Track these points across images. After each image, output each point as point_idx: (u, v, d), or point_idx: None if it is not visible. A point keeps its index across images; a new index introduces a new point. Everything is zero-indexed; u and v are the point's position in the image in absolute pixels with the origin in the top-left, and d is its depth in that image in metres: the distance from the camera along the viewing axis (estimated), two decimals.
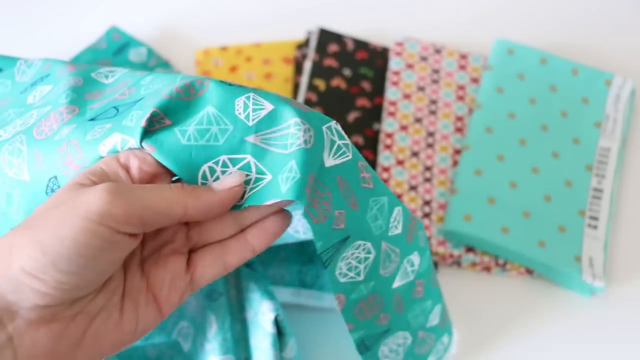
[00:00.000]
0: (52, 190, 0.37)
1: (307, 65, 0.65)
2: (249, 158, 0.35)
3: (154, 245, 0.35)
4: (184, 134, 0.34)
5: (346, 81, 0.65)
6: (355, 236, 0.37)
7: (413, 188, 0.60)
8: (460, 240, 0.58)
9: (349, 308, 0.39)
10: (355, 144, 0.62)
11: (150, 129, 0.34)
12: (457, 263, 0.59)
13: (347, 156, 0.36)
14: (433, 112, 0.64)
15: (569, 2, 0.73)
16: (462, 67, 0.66)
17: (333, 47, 0.66)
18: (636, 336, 0.57)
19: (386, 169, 0.61)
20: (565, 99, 0.64)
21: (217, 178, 0.34)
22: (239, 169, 0.34)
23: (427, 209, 0.60)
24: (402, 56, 0.66)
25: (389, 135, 0.62)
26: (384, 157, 0.61)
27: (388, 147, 0.62)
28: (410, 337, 0.45)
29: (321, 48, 0.66)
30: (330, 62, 0.65)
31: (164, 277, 0.34)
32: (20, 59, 0.47)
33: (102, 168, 0.33)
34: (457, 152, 0.62)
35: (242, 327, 0.49)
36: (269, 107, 0.35)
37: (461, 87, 0.65)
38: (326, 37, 0.66)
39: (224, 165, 0.34)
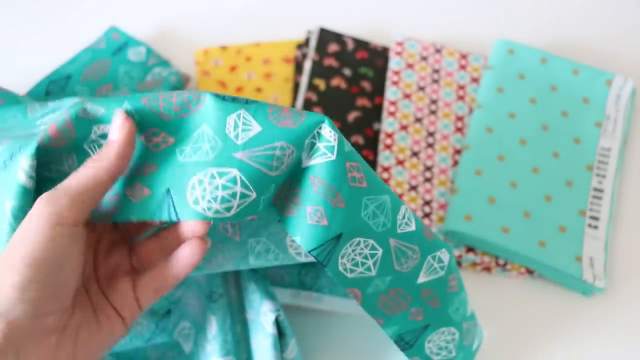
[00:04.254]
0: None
1: (307, 65, 0.65)
2: (234, 172, 0.37)
3: (105, 270, 0.41)
4: (181, 153, 0.38)
5: (346, 81, 0.65)
6: (350, 234, 0.39)
7: (413, 188, 0.60)
8: (460, 240, 0.58)
9: (369, 302, 0.41)
10: (355, 144, 0.62)
11: (157, 149, 0.39)
12: (458, 263, 0.59)
13: (328, 157, 0.38)
14: (433, 112, 0.64)
15: (570, 2, 0.73)
16: (463, 67, 0.66)
17: (333, 47, 0.66)
18: (636, 336, 0.57)
19: (386, 169, 0.61)
20: (566, 98, 0.64)
21: (204, 189, 0.37)
22: (226, 181, 0.37)
23: (427, 209, 0.60)
24: (402, 56, 0.66)
25: (389, 135, 0.62)
26: (384, 157, 0.61)
27: (388, 147, 0.61)
28: (458, 332, 0.46)
29: (321, 48, 0.66)
30: (330, 61, 0.65)
31: (117, 296, 0.40)
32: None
33: None
34: (458, 152, 0.62)
35: (242, 328, 0.49)
36: (257, 128, 0.38)
37: (461, 87, 0.65)
38: (326, 36, 0.66)
39: (212, 177, 0.37)
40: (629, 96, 0.64)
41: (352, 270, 0.40)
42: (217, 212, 0.37)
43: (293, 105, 0.64)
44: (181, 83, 0.64)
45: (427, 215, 0.59)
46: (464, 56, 0.67)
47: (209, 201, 0.37)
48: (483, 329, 0.52)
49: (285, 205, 0.39)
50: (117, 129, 0.38)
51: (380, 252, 0.41)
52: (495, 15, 0.72)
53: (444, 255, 0.44)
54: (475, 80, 0.66)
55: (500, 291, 0.58)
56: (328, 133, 0.38)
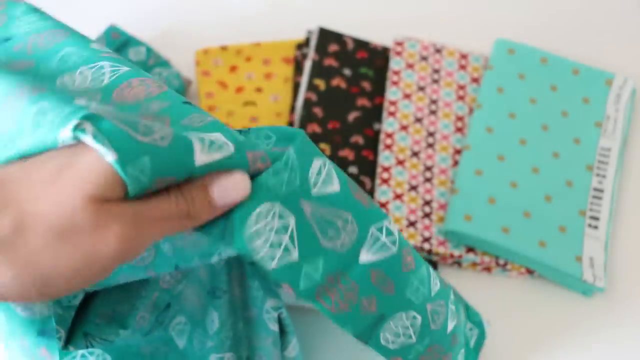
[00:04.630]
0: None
1: (307, 65, 0.65)
2: (292, 221, 0.35)
3: None
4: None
5: (346, 81, 0.65)
6: (392, 312, 0.40)
7: (413, 188, 0.60)
8: (460, 240, 0.58)
9: None
10: (356, 144, 0.62)
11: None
12: (458, 263, 0.59)
13: (391, 251, 0.39)
14: (433, 112, 0.64)
15: (570, 2, 0.73)
16: (463, 67, 0.66)
17: (333, 47, 0.66)
18: (636, 336, 0.57)
19: (386, 169, 0.61)
20: (566, 98, 0.64)
21: (264, 221, 0.34)
22: (281, 225, 0.34)
23: (427, 209, 0.60)
24: (402, 56, 0.66)
25: (390, 135, 0.62)
26: (385, 157, 0.61)
27: (388, 147, 0.61)
28: (464, 349, 0.48)
29: (321, 48, 0.66)
30: (330, 61, 0.65)
31: None
32: None
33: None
34: (458, 152, 0.62)
35: (244, 325, 0.49)
36: (336, 187, 0.37)
37: (461, 87, 0.65)
38: (326, 36, 0.66)
39: (272, 215, 0.34)
40: (629, 96, 0.65)
41: (394, 342, 0.41)
42: (261, 259, 0.34)
43: (293, 105, 0.64)
44: (182, 87, 0.64)
45: (427, 215, 0.59)
46: (464, 56, 0.67)
47: (264, 241, 0.34)
48: (486, 324, 0.52)
49: (341, 304, 0.37)
50: (231, 202, 0.33)
51: (419, 319, 0.42)
52: (495, 15, 0.72)
53: (451, 293, 0.46)
54: (475, 80, 0.66)
55: (500, 291, 0.58)
56: (392, 226, 0.39)
